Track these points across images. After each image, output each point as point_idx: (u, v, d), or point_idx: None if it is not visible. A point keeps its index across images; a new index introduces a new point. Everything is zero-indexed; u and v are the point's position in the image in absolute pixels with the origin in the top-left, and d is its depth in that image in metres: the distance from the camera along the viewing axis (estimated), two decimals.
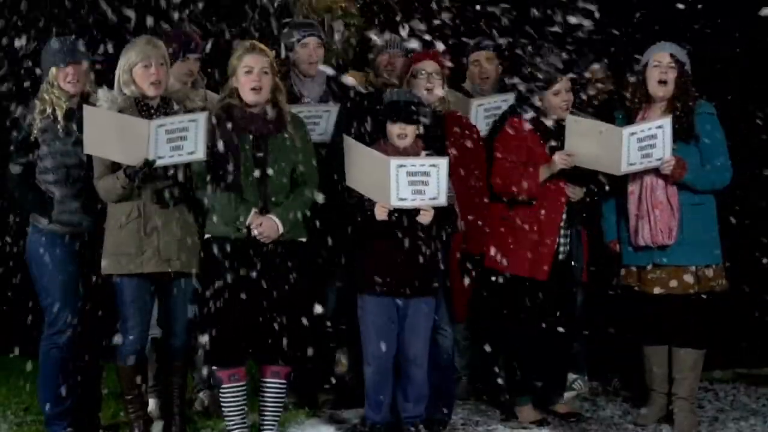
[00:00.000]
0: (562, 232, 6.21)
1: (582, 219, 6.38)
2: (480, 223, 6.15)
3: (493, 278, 6.20)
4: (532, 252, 6.15)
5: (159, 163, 5.53)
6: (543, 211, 6.15)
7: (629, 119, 6.21)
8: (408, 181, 5.58)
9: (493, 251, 6.19)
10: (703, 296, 6.11)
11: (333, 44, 7.70)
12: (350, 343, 6.63)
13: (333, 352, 6.75)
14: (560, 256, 6.22)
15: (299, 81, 6.60)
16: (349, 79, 6.63)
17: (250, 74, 5.68)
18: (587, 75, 7.00)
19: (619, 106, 6.50)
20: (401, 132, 5.79)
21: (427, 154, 5.81)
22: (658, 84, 6.14)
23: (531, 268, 6.15)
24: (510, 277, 6.16)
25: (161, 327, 5.93)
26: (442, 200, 5.64)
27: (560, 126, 6.18)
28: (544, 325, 6.18)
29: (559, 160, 6.07)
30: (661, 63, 6.14)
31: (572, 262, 6.29)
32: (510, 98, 6.53)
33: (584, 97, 6.90)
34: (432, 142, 5.95)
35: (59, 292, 5.84)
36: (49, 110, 5.84)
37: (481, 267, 6.28)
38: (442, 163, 5.62)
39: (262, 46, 5.77)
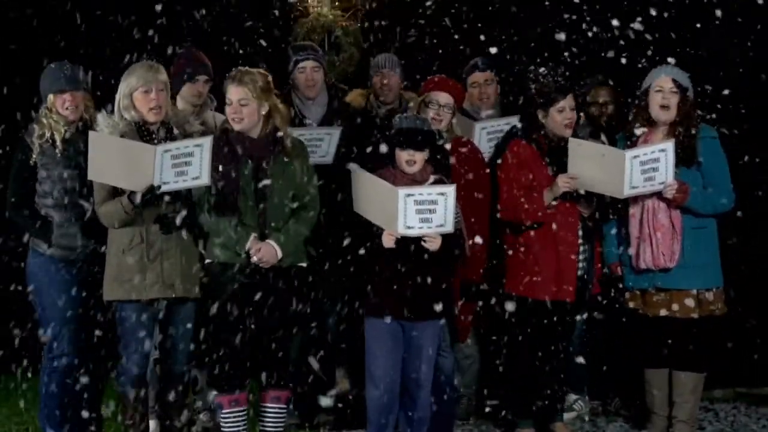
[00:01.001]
0: (580, 249, 6.19)
1: (597, 233, 6.35)
2: (477, 235, 6.12)
3: (510, 304, 6.19)
4: (555, 274, 6.13)
5: (164, 188, 5.53)
6: (558, 232, 6.13)
7: (631, 145, 6.19)
8: (416, 210, 5.60)
9: (514, 277, 6.18)
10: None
11: (337, 61, 7.73)
12: (350, 363, 6.67)
13: (333, 372, 6.76)
14: (579, 272, 6.21)
15: (301, 103, 6.61)
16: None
17: (230, 106, 5.71)
18: (591, 94, 7.02)
19: (622, 127, 6.50)
20: (410, 158, 5.78)
21: (435, 180, 5.81)
22: (660, 109, 6.13)
23: (557, 290, 6.14)
24: (532, 302, 6.15)
25: (162, 350, 5.92)
26: (449, 227, 5.65)
27: (562, 145, 6.17)
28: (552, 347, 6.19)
29: (562, 183, 6.05)
30: (663, 88, 6.14)
31: (585, 276, 6.27)
32: (513, 121, 6.51)
33: (589, 114, 6.95)
34: (438, 167, 5.94)
35: (59, 316, 5.84)
36: (47, 135, 5.84)
37: (481, 289, 6.29)
38: (450, 191, 5.63)
39: (247, 74, 5.73)
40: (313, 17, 8.05)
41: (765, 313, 7.49)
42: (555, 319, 6.18)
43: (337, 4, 8.01)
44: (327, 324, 6.64)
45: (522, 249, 6.19)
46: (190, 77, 6.32)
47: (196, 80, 6.33)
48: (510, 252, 6.24)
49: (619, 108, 6.88)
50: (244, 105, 5.69)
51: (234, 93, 5.70)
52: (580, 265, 6.19)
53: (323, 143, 6.34)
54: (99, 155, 5.51)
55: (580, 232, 6.19)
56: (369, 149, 6.03)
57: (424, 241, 5.65)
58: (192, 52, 6.49)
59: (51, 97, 5.87)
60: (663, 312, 6.13)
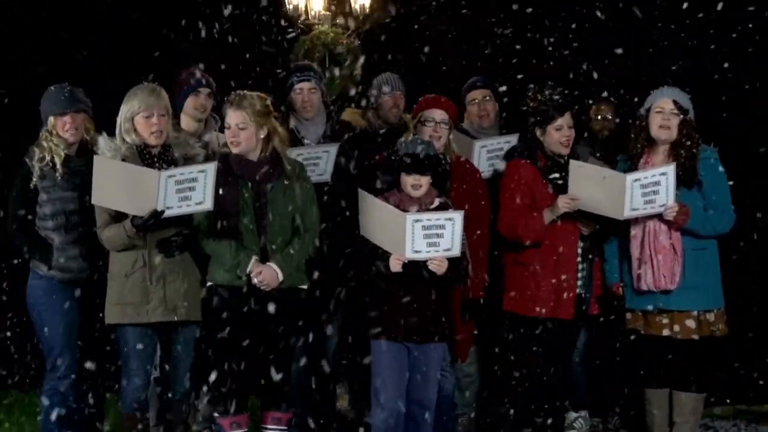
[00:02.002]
0: (579, 267, 6.19)
1: (596, 251, 6.34)
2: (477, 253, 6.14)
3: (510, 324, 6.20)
4: (553, 292, 6.13)
5: (167, 213, 5.54)
6: (558, 250, 6.13)
7: (632, 165, 6.20)
8: (423, 235, 5.63)
9: (512, 296, 6.18)
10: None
11: (336, 79, 7.73)
12: (351, 379, 6.68)
13: (334, 390, 6.77)
14: (577, 291, 6.20)
15: (299, 124, 6.59)
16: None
17: (228, 129, 5.74)
18: (592, 111, 7.03)
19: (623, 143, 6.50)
20: (416, 183, 5.80)
21: (441, 203, 5.83)
22: (660, 130, 6.13)
23: (555, 308, 6.14)
24: (531, 319, 6.15)
25: (163, 371, 5.92)
26: (456, 251, 5.69)
27: (560, 163, 6.17)
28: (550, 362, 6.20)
29: (562, 204, 6.05)
30: (663, 109, 6.13)
31: (583, 294, 6.27)
32: (513, 139, 6.52)
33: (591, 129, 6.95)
34: (437, 185, 5.96)
35: (60, 338, 5.85)
36: (48, 158, 5.84)
37: (482, 309, 6.30)
38: (458, 216, 5.66)
39: (246, 98, 5.75)
40: (313, 35, 8.07)
41: (764, 330, 7.50)
42: (553, 336, 6.17)
43: (337, 21, 8.03)
44: (327, 341, 6.65)
45: (520, 266, 6.20)
46: (193, 89, 6.30)
47: (199, 92, 6.31)
48: (508, 269, 6.24)
49: (620, 124, 6.89)
50: (242, 129, 5.71)
51: (232, 117, 5.73)
52: (579, 283, 6.19)
53: (321, 161, 6.34)
54: (103, 180, 5.51)
55: (579, 251, 6.19)
56: (375, 172, 6.05)
57: (431, 264, 5.67)
58: (194, 68, 6.46)
59: (51, 119, 5.88)
60: (664, 333, 6.13)
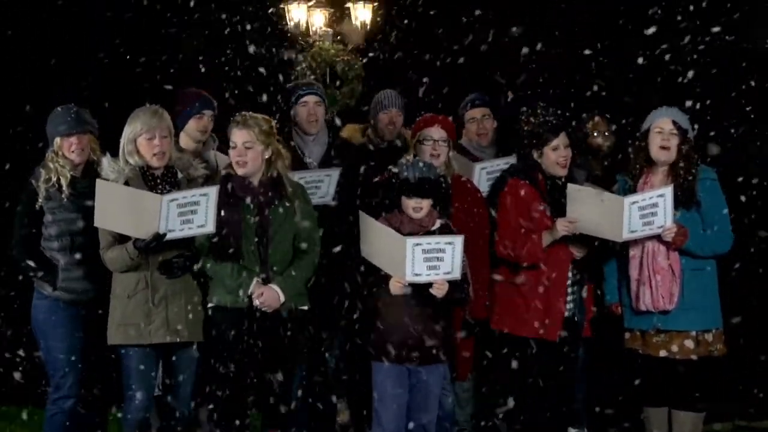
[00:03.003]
0: (569, 290, 6.24)
1: (587, 275, 6.39)
2: (478, 273, 6.17)
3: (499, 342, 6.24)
4: (541, 313, 6.16)
5: (169, 236, 5.57)
6: (549, 272, 6.17)
7: (631, 185, 6.24)
8: (423, 258, 5.66)
9: (501, 314, 6.23)
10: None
11: (338, 95, 7.77)
12: (351, 394, 6.72)
13: (334, 405, 6.81)
14: (567, 314, 6.25)
15: (301, 141, 6.62)
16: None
17: (235, 149, 5.76)
18: (588, 128, 7.06)
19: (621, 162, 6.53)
20: (417, 206, 5.84)
21: (442, 224, 5.88)
22: (659, 150, 6.16)
23: (543, 329, 6.17)
24: (518, 339, 6.19)
25: (165, 389, 5.95)
26: (457, 274, 5.73)
27: (560, 184, 6.21)
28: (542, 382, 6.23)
29: (561, 227, 6.09)
30: (663, 130, 6.16)
31: (575, 318, 6.32)
32: (512, 161, 6.54)
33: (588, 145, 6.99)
34: (439, 206, 6.00)
35: (64, 358, 5.89)
36: (53, 179, 5.89)
37: (482, 329, 6.33)
38: (458, 240, 5.70)
39: (252, 118, 5.79)
40: (315, 51, 8.10)
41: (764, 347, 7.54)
42: (542, 356, 6.20)
43: (338, 38, 8.07)
44: (327, 356, 6.69)
45: (511, 286, 6.24)
46: (197, 111, 6.32)
47: (202, 114, 6.34)
48: (498, 287, 6.28)
49: (617, 141, 6.94)
50: (249, 148, 5.74)
51: (239, 136, 5.75)
52: (569, 306, 6.23)
53: (323, 184, 6.37)
54: (105, 203, 5.55)
55: (570, 274, 6.23)
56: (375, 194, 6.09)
57: (431, 287, 5.72)
58: (196, 89, 6.50)
59: (57, 140, 5.93)
60: (662, 353, 6.16)
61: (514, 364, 6.21)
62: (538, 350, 6.18)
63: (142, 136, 5.73)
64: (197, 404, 5.88)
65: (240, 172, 5.76)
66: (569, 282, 6.22)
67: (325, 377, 6.60)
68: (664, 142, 6.16)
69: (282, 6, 8.06)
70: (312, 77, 7.69)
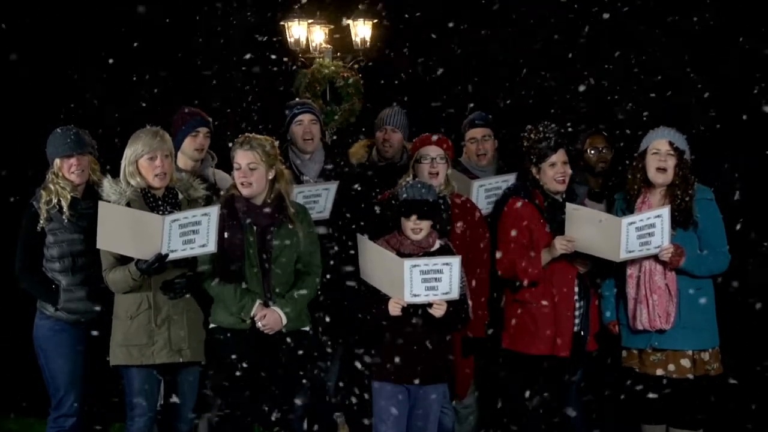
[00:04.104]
0: (576, 305, 6.29)
1: (592, 289, 6.41)
2: (478, 292, 6.22)
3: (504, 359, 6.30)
4: (551, 330, 6.21)
5: (171, 256, 5.61)
6: (556, 288, 6.22)
7: (629, 204, 6.29)
8: (421, 279, 5.72)
9: (511, 334, 6.27)
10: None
11: (337, 111, 7.79)
12: (350, 411, 6.75)
13: (335, 421, 6.84)
14: (575, 328, 6.29)
15: (297, 159, 6.65)
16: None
17: (239, 170, 5.78)
18: (586, 146, 7.10)
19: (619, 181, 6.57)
20: (416, 227, 5.88)
21: (441, 245, 5.92)
22: (657, 171, 6.20)
23: (553, 345, 6.22)
24: (528, 357, 6.24)
25: (166, 408, 6.00)
26: (455, 294, 5.77)
27: (558, 201, 6.25)
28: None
29: (560, 246, 6.13)
30: (659, 151, 6.19)
31: (581, 332, 6.34)
32: (511, 179, 6.60)
33: (586, 161, 7.03)
34: (438, 227, 6.04)
35: (66, 378, 5.95)
36: (54, 200, 5.93)
37: (482, 347, 6.38)
38: (455, 261, 5.75)
39: (255, 139, 5.83)
40: (314, 68, 8.13)
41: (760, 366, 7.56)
42: (551, 374, 6.26)
43: (338, 54, 8.09)
44: (328, 371, 6.72)
45: (518, 304, 6.28)
46: (193, 128, 6.36)
47: (197, 132, 6.37)
48: (507, 307, 6.33)
49: (614, 156, 6.98)
50: (253, 169, 5.77)
51: (243, 157, 5.78)
52: (576, 321, 6.28)
53: (321, 199, 6.40)
54: (107, 225, 5.59)
55: (576, 289, 6.28)
56: (374, 213, 6.13)
57: (430, 307, 5.76)
58: (191, 108, 6.53)
59: (57, 161, 5.97)
60: (659, 372, 6.19)
61: (523, 382, 6.26)
62: (549, 368, 6.23)
63: (144, 157, 5.77)
64: (198, 423, 5.92)
65: (245, 193, 5.79)
66: (576, 297, 6.27)
67: (324, 394, 6.65)
68: (660, 163, 6.19)
69: (282, 23, 8.10)
70: (309, 96, 7.71)
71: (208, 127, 6.43)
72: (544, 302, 6.22)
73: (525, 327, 6.25)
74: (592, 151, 7.07)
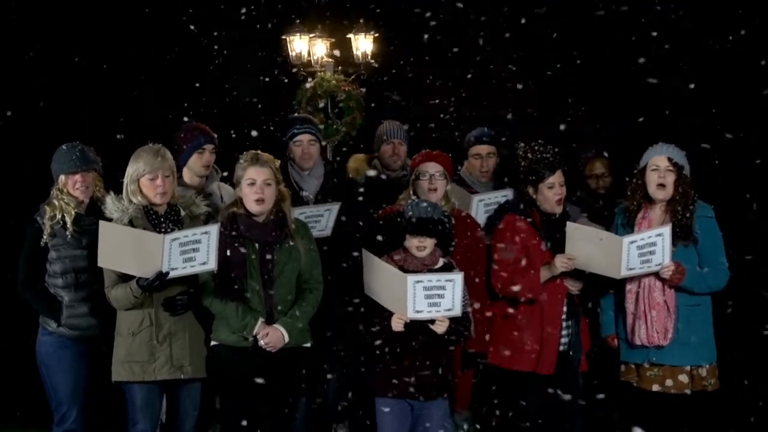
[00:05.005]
0: (563, 324, 6.31)
1: (582, 309, 6.46)
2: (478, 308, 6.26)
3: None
4: (536, 347, 6.24)
5: (172, 274, 5.64)
6: (543, 307, 6.25)
7: (629, 220, 6.32)
8: (424, 295, 5.76)
9: (496, 348, 6.30)
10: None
11: (339, 125, 7.81)
12: (351, 420, 6.79)
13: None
14: (561, 348, 6.32)
15: (297, 175, 6.68)
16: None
17: (253, 186, 5.79)
18: (587, 169, 7.13)
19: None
20: (420, 245, 5.92)
21: (445, 263, 5.96)
22: (656, 188, 6.22)
23: (537, 362, 6.26)
24: (515, 373, 6.27)
25: (168, 423, 6.02)
26: (457, 311, 5.81)
27: (554, 219, 6.29)
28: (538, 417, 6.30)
29: (560, 264, 6.16)
30: (659, 167, 6.21)
31: (570, 352, 6.39)
32: (510, 194, 6.63)
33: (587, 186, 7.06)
34: (442, 245, 6.06)
35: (68, 393, 5.98)
36: (58, 216, 5.96)
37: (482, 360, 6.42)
38: (458, 278, 5.79)
39: (266, 156, 5.87)
40: (316, 82, 8.15)
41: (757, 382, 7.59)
42: (535, 391, 6.27)
43: (339, 68, 8.12)
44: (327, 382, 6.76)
45: (506, 320, 6.31)
46: (199, 146, 6.38)
47: (204, 149, 6.39)
48: (496, 323, 6.34)
49: (615, 179, 7.00)
50: (268, 185, 5.80)
51: (258, 174, 5.79)
52: (564, 341, 6.31)
53: (323, 218, 6.44)
54: (108, 243, 5.62)
55: (565, 308, 6.31)
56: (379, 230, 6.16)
57: (432, 323, 5.80)
58: (196, 123, 6.57)
59: (62, 177, 6.01)
60: (656, 387, 6.22)
61: (510, 398, 6.29)
62: (533, 384, 6.26)
63: (145, 176, 5.79)
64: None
65: (258, 209, 5.78)
66: (563, 317, 6.30)
67: (324, 407, 6.69)
68: (660, 180, 6.21)
69: (284, 37, 8.13)
70: (310, 111, 7.74)
71: (213, 143, 6.45)
72: (531, 320, 6.25)
73: (510, 343, 6.28)
74: (593, 176, 7.09)
